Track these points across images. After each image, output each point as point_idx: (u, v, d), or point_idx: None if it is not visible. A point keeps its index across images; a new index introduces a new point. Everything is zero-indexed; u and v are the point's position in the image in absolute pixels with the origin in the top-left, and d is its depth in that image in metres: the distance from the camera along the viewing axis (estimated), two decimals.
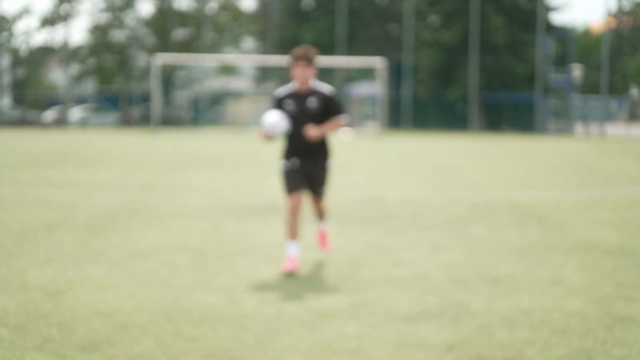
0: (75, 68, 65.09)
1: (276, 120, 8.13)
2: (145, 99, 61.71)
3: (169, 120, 59.19)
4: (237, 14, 66.79)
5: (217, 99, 66.04)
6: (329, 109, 8.32)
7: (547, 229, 11.23)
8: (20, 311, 6.41)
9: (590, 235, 10.66)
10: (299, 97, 8.31)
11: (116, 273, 7.91)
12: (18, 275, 7.78)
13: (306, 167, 8.33)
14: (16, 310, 6.43)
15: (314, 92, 8.31)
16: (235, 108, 65.94)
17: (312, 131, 8.18)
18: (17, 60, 67.17)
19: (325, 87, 8.38)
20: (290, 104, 8.30)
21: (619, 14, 66.73)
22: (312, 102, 8.28)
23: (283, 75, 58.99)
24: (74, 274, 7.86)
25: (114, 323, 6.05)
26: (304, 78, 8.24)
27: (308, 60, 8.21)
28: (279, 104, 8.36)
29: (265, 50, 64.41)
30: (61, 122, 60.62)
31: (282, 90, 8.43)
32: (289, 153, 8.39)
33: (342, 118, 8.35)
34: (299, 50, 8.26)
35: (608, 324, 6.20)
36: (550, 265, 8.56)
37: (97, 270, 8.01)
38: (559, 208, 13.67)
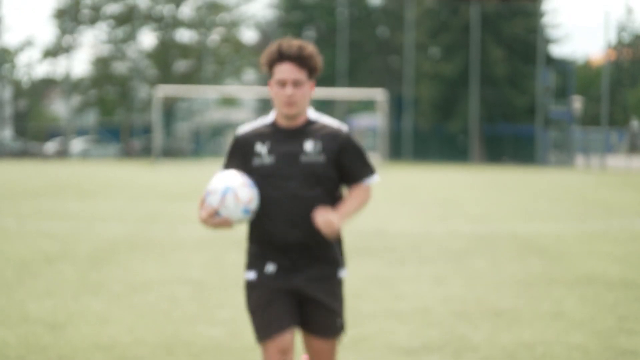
0: (76, 100, 65.29)
1: (231, 188, 4.45)
2: (147, 130, 61.83)
3: (170, 152, 59.28)
4: (238, 46, 67.08)
5: (218, 131, 66.18)
6: (347, 164, 4.58)
7: (549, 261, 11.21)
8: (20, 344, 6.39)
9: (591, 268, 10.63)
10: (284, 137, 4.55)
11: (116, 306, 7.89)
12: (18, 307, 7.75)
13: (295, 281, 4.54)
14: (16, 343, 6.41)
15: (312, 129, 4.57)
16: None
17: (332, 218, 4.43)
18: (19, 92, 67.37)
19: (334, 123, 4.63)
20: (264, 152, 4.54)
21: (619, 46, 67.01)
22: (311, 148, 4.53)
23: None
24: (74, 306, 7.83)
25: (114, 356, 6.03)
26: (295, 100, 4.48)
27: (303, 64, 4.49)
28: (242, 152, 4.59)
29: (266, 82, 64.60)
30: (62, 153, 60.70)
31: (251, 126, 4.65)
32: (261, 254, 4.58)
33: (373, 180, 4.66)
34: (286, 44, 4.50)
35: (610, 357, 6.17)
36: (551, 298, 8.53)
37: (98, 303, 7.99)
38: (561, 240, 13.65)
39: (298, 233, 4.50)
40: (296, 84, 4.49)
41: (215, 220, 4.48)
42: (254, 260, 4.59)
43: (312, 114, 4.62)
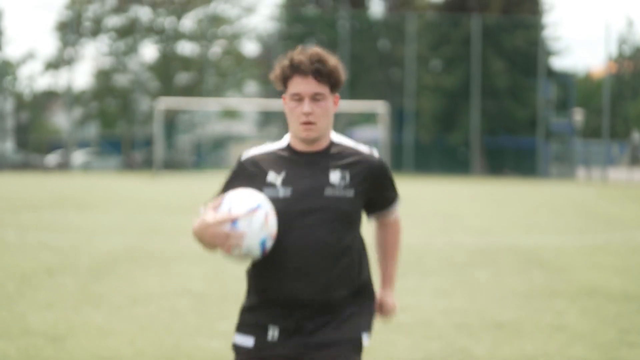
0: (78, 112, 65.39)
1: (264, 207, 3.50)
2: (148, 143, 61.89)
3: (172, 164, 59.30)
4: (240, 59, 67.20)
5: (220, 143, 66.24)
6: (376, 195, 3.80)
7: (550, 274, 11.19)
8: (21, 356, 6.38)
9: (593, 280, 10.62)
10: (303, 165, 3.66)
11: (117, 318, 7.87)
12: (19, 320, 7.74)
13: (299, 349, 3.58)
14: (17, 356, 6.40)
15: (338, 155, 3.70)
16: (237, 152, 66.08)
17: (393, 305, 3.84)
18: (21, 104, 67.48)
19: (363, 147, 3.79)
20: (278, 183, 3.63)
21: (620, 58, 67.09)
22: (337, 179, 3.64)
23: (286, 120, 59.09)
24: (75, 318, 7.82)
25: None
26: (315, 119, 3.62)
27: (325, 78, 3.65)
28: (248, 180, 3.67)
29: (267, 94, 64.67)
30: (64, 165, 60.74)
31: (260, 150, 3.77)
32: (263, 313, 3.62)
33: (399, 205, 4.02)
34: (303, 55, 3.67)
35: None
36: (553, 310, 8.52)
37: (98, 315, 7.98)
38: (562, 253, 13.63)
39: (314, 288, 3.52)
40: (316, 98, 3.62)
41: (223, 229, 3.41)
42: (253, 322, 3.59)
43: (336, 137, 3.74)
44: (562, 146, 63.09)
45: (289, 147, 3.72)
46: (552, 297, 9.31)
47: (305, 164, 3.65)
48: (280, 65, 3.72)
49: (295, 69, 3.65)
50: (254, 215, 3.42)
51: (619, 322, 7.98)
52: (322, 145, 3.69)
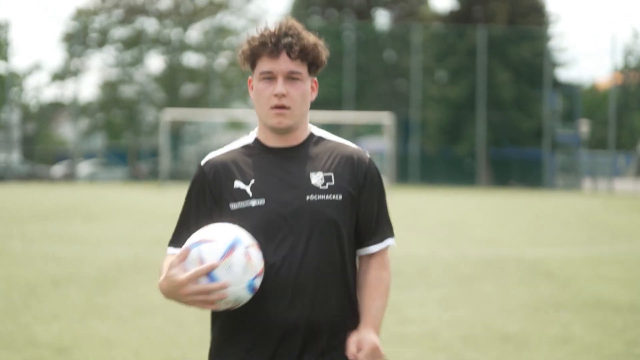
0: (84, 123, 65.53)
1: (242, 242, 2.80)
2: (154, 154, 61.96)
3: (177, 175, 59.35)
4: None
5: None
6: (365, 209, 3.01)
7: (556, 285, 11.16)
8: None
9: (599, 292, 10.59)
10: (277, 164, 2.98)
11: (123, 329, 7.87)
12: (25, 331, 7.74)
13: None
14: None
15: (320, 151, 3.01)
16: None
17: (375, 344, 2.89)
18: (27, 115, 67.65)
19: (349, 143, 3.13)
20: (247, 190, 2.94)
21: (626, 70, 67.06)
22: (320, 180, 2.95)
23: None
24: (80, 330, 7.82)
25: None
26: (290, 102, 2.93)
27: (302, 55, 2.95)
28: (211, 191, 2.99)
29: None
30: (70, 176, 60.82)
31: (224, 151, 3.07)
32: (244, 345, 2.94)
33: (391, 243, 3.07)
34: (276, 28, 2.97)
35: None
36: (559, 322, 8.50)
37: (104, 327, 7.97)
38: (568, 264, 13.60)
39: (302, 311, 2.87)
40: (291, 77, 2.92)
41: (199, 287, 2.72)
42: (231, 356, 2.91)
43: (316, 130, 3.06)
44: (568, 157, 63.03)
45: (257, 143, 3.00)
46: (558, 308, 9.28)
47: (279, 163, 2.94)
48: (248, 40, 2.97)
49: (265, 44, 2.92)
50: (232, 257, 2.74)
51: (626, 334, 7.95)
52: (299, 138, 2.97)
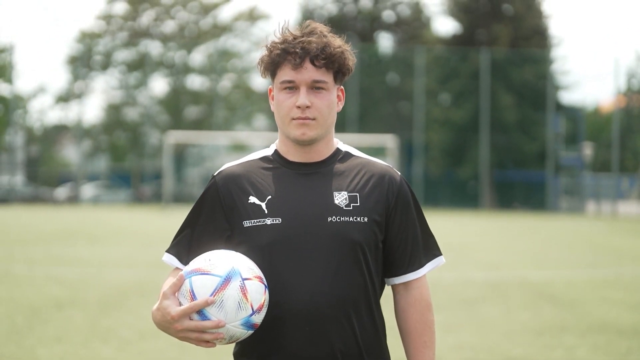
0: (88, 145, 65.65)
1: (240, 274, 2.54)
2: (157, 176, 62.02)
3: (181, 198, 59.37)
4: (249, 93, 67.49)
5: None
6: (400, 234, 2.77)
7: (561, 308, 11.13)
8: None
9: (604, 315, 10.56)
10: (297, 180, 2.73)
11: (126, 352, 7.85)
12: (28, 353, 7.72)
13: None
14: None
15: (346, 168, 2.78)
16: None
17: None
18: (31, 137, 67.81)
19: (378, 161, 2.94)
20: (263, 206, 2.70)
21: (629, 92, 67.13)
22: (344, 200, 2.70)
23: None
24: (83, 352, 7.80)
25: None
26: (315, 113, 2.71)
27: (327, 63, 2.70)
28: (223, 206, 2.76)
29: (276, 128, 64.89)
30: (73, 199, 60.86)
31: (239, 162, 2.87)
32: None
33: (439, 263, 3.01)
34: (299, 32, 2.70)
35: None
36: (564, 346, 8.47)
37: (107, 350, 7.96)
38: (572, 287, 13.57)
39: (324, 346, 2.61)
40: (316, 87, 2.68)
41: (191, 324, 2.52)
42: None
43: (342, 145, 2.83)
44: (572, 180, 63.01)
45: (277, 156, 2.76)
46: (562, 332, 9.26)
47: (300, 179, 2.69)
48: (267, 46, 2.72)
49: (286, 51, 2.66)
50: (224, 293, 2.49)
51: (630, 357, 7.92)
52: (323, 153, 2.73)
